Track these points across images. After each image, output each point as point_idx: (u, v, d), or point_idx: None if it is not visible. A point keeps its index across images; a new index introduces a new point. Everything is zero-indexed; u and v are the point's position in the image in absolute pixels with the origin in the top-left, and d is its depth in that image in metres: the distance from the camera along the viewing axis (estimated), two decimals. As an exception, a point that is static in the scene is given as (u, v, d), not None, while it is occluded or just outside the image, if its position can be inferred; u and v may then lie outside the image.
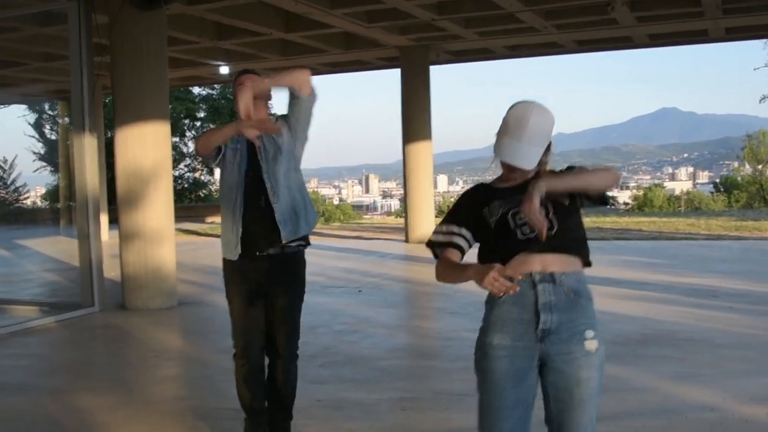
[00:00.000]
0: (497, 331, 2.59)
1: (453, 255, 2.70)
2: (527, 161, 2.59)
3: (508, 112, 2.64)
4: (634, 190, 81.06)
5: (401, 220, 28.95)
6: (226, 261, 3.97)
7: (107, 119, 19.62)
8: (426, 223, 15.74)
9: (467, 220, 2.71)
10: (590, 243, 2.70)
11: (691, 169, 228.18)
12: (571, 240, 2.64)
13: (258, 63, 16.42)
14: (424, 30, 13.94)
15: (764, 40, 22.39)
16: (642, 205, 51.31)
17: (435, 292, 9.59)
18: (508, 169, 2.67)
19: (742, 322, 7.12)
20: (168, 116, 8.76)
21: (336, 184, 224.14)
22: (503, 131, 2.62)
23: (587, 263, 2.68)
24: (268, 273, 3.88)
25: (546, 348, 2.56)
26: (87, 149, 8.30)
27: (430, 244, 2.76)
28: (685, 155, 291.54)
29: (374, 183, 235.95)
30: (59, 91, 20.18)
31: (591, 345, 2.58)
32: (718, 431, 4.20)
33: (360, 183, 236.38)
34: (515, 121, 2.60)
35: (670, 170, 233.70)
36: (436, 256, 2.76)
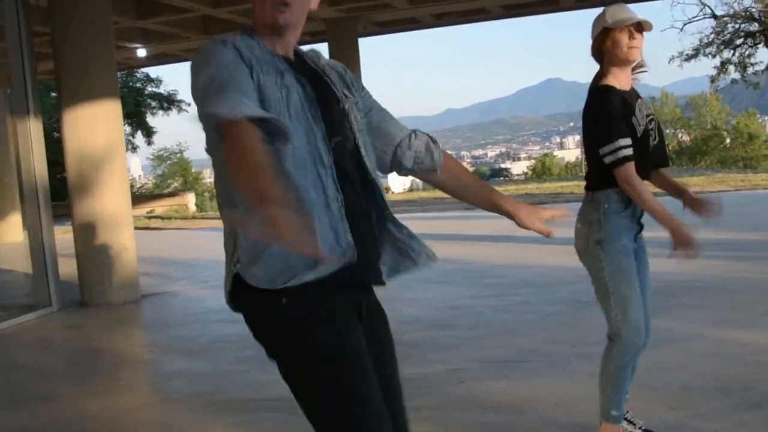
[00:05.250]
0: (624, 236, 3.08)
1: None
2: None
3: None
4: (526, 161, 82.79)
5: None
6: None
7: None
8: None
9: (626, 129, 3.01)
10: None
11: (578, 137, 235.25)
12: None
13: (179, 43, 15.67)
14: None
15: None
16: (541, 174, 52.33)
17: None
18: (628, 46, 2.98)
19: (739, 267, 7.12)
20: (118, 94, 8.09)
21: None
22: (609, 15, 2.97)
23: None
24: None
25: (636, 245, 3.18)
26: (33, 136, 7.55)
27: (625, 159, 2.94)
28: (572, 124, 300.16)
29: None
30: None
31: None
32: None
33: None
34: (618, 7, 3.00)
35: (558, 139, 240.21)
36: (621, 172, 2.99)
